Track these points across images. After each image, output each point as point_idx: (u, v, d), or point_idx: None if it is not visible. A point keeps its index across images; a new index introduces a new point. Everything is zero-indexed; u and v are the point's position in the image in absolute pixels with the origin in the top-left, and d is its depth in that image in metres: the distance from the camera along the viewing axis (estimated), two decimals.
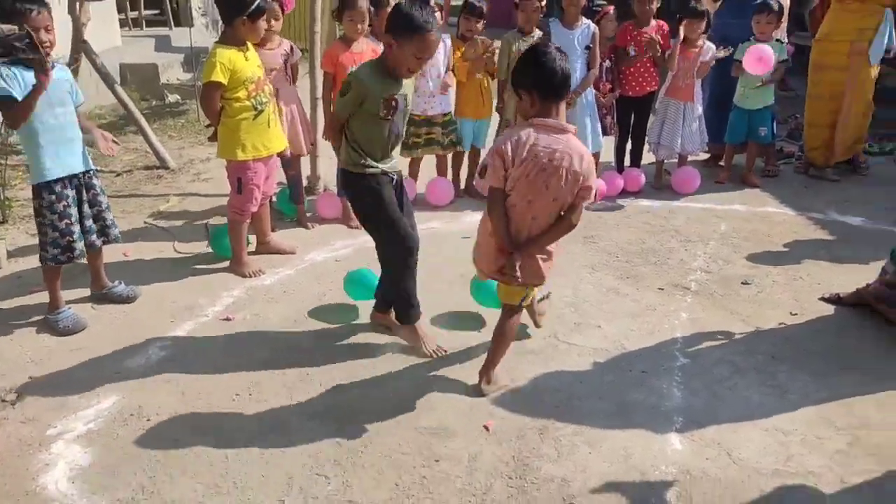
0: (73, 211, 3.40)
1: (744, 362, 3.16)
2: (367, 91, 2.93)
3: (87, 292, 3.73)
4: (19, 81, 3.11)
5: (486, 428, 2.72)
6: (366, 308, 3.52)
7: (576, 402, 2.88)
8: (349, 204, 3.88)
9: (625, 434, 2.69)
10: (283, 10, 4.36)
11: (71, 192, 3.38)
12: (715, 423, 2.76)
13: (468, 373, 3.06)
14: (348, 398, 2.90)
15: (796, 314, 3.57)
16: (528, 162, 2.60)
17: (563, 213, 2.70)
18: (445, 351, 3.22)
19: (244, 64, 3.70)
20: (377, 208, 3.08)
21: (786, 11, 5.81)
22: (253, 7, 3.61)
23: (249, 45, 3.80)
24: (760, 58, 5.02)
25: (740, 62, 5.22)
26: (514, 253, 2.71)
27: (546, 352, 3.24)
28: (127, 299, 3.70)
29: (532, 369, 3.10)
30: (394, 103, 2.97)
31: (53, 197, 3.31)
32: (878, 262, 3.72)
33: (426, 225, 4.76)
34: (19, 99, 3.09)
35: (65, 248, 3.37)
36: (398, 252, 3.13)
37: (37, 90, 3.09)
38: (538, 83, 2.58)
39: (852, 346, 3.29)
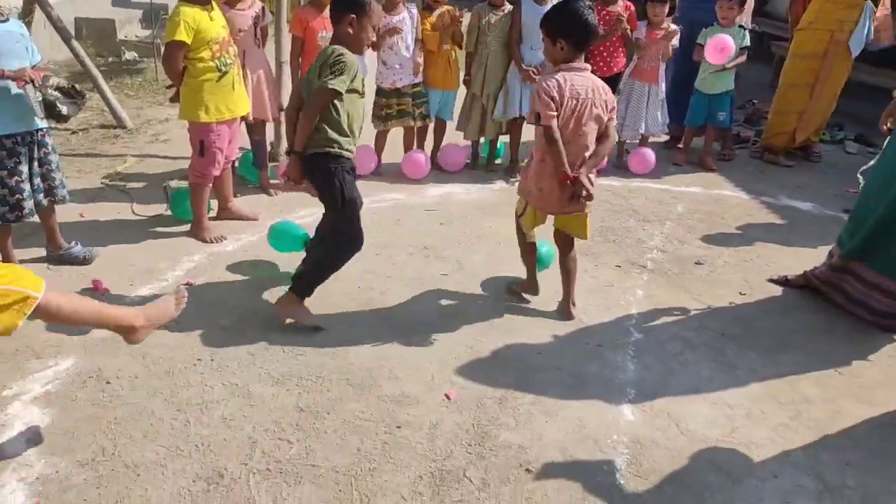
0: (24, 168, 3.31)
1: (695, 338, 3.29)
2: (356, 67, 2.96)
3: (43, 252, 3.65)
4: None
5: (448, 397, 2.78)
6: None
7: (534, 374, 2.96)
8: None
9: (580, 404, 2.79)
10: None
11: (23, 150, 3.29)
12: (666, 395, 2.87)
13: (431, 343, 3.11)
14: (311, 365, 2.93)
15: (745, 294, 3.71)
16: (573, 100, 3.02)
17: (601, 134, 3.14)
18: (321, 328, 3.18)
19: (209, 23, 3.63)
20: (347, 198, 3.06)
21: None
22: None
23: (214, 4, 3.72)
24: (722, 49, 5.12)
25: (703, 46, 5.31)
26: (579, 176, 3.04)
27: (507, 324, 3.31)
28: (84, 261, 3.63)
29: (493, 340, 3.17)
30: (364, 81, 3.03)
31: (4, 153, 3.23)
32: (825, 247, 3.89)
33: (390, 196, 4.79)
34: None
35: (13, 206, 3.29)
36: (346, 246, 3.16)
37: (7, 76, 3.05)
38: (575, 34, 3.02)
39: (797, 326, 3.44)
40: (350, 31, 2.98)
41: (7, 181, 3.25)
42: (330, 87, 2.90)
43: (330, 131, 2.98)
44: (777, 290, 3.77)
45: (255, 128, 4.53)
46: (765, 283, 3.84)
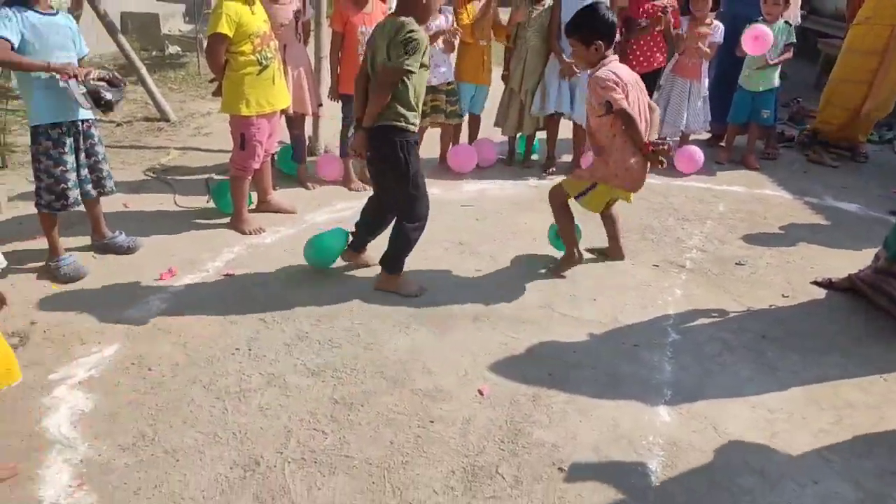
0: (70, 159, 3.39)
1: (734, 340, 3.23)
2: (426, 42, 3.08)
3: (88, 240, 3.75)
4: (18, 23, 3.09)
5: (481, 392, 2.78)
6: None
7: (569, 372, 2.94)
8: (365, 163, 3.96)
9: (615, 404, 2.76)
10: None
11: (68, 140, 3.37)
12: (703, 397, 2.83)
13: (465, 338, 3.12)
14: (346, 357, 2.96)
15: (787, 296, 3.63)
16: (630, 86, 3.34)
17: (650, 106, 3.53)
18: (425, 289, 3.46)
19: (250, 17, 3.68)
20: (412, 167, 3.21)
21: None
22: None
23: None
24: (756, 37, 5.01)
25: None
26: (658, 145, 3.36)
27: (541, 322, 3.30)
28: (128, 250, 3.72)
29: (527, 338, 3.16)
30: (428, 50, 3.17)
31: (50, 143, 3.31)
32: (870, 249, 3.78)
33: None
34: (14, 43, 3.08)
35: (59, 195, 3.37)
36: (418, 215, 3.35)
37: (38, 66, 3.14)
38: (606, 35, 3.30)
39: (840, 329, 3.36)
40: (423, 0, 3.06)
41: (53, 171, 3.34)
42: (406, 67, 3.00)
43: (398, 106, 3.09)
44: (820, 293, 3.69)
45: (294, 122, 4.58)
46: (808, 285, 3.75)
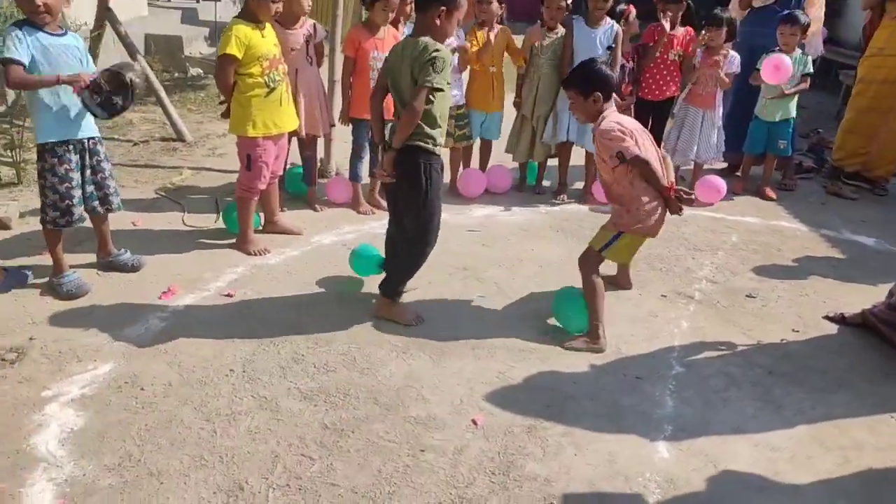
0: (76, 175, 3.41)
1: (740, 375, 3.14)
2: (450, 59, 3.09)
3: (93, 258, 3.77)
4: (27, 45, 3.15)
5: (475, 422, 2.72)
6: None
7: (567, 403, 2.87)
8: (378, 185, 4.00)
9: (613, 438, 2.69)
10: None
11: (74, 157, 3.40)
12: (705, 434, 2.74)
13: (462, 366, 3.07)
14: (340, 382, 2.92)
15: (798, 331, 3.54)
16: (637, 133, 3.30)
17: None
18: (422, 319, 3.39)
19: (260, 40, 3.71)
20: (430, 192, 3.16)
21: (819, 25, 5.74)
22: None
23: (267, 23, 3.80)
24: (777, 66, 4.95)
25: (760, 72, 5.17)
26: (673, 187, 3.30)
27: (542, 351, 3.23)
28: (132, 268, 3.73)
29: (527, 367, 3.10)
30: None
31: (56, 160, 3.34)
32: (886, 285, 3.68)
33: None
34: (25, 64, 3.13)
35: (64, 211, 3.39)
36: (426, 241, 3.27)
37: (49, 81, 3.18)
38: (603, 88, 3.28)
39: (851, 366, 3.25)
40: (437, 22, 3.05)
41: (58, 187, 3.36)
42: (436, 85, 3.00)
43: (425, 126, 3.09)
44: (832, 328, 3.58)
45: (306, 144, 4.60)
46: (820, 320, 3.65)
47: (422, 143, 3.10)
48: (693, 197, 3.35)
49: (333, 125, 4.84)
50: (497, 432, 2.68)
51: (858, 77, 5.66)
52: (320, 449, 2.54)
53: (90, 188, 3.51)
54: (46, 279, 3.53)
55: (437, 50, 3.00)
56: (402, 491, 2.36)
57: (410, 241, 3.28)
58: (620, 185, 3.31)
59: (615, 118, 3.31)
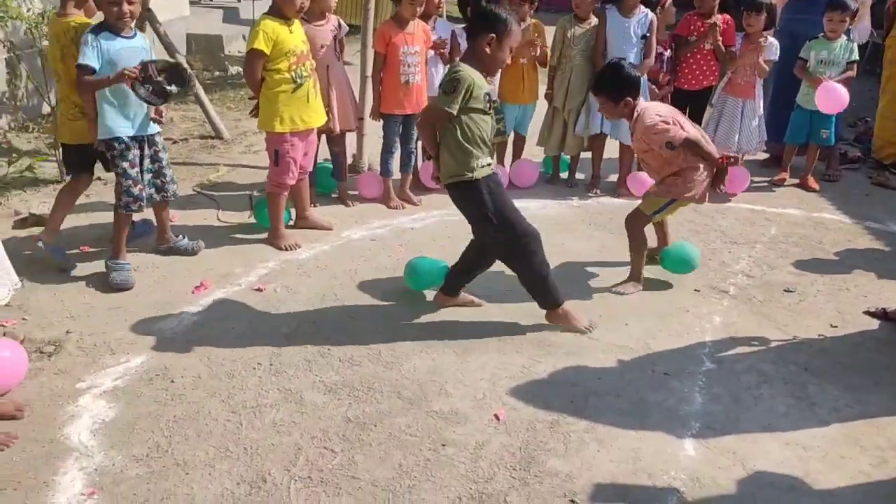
0: (139, 163, 3.57)
1: (773, 371, 3.06)
2: (474, 83, 2.97)
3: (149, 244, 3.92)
4: (98, 51, 3.28)
5: (497, 417, 2.71)
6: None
7: (591, 399, 2.84)
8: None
9: (637, 435, 2.64)
10: None
11: (136, 150, 3.53)
12: (734, 431, 2.68)
13: (486, 360, 3.06)
14: (364, 376, 2.94)
15: (836, 326, 3.43)
16: (675, 116, 3.57)
17: None
18: (595, 326, 3.32)
19: (288, 36, 3.75)
20: (497, 210, 3.07)
21: (867, 9, 5.54)
22: None
23: (295, 19, 3.84)
24: (833, 98, 4.70)
25: (805, 61, 5.01)
26: (725, 157, 3.67)
27: (568, 345, 3.20)
28: (192, 252, 3.88)
29: (552, 362, 3.07)
30: (489, 97, 3.07)
31: (123, 146, 3.47)
32: None
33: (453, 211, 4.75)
34: (97, 69, 3.28)
35: (137, 196, 3.54)
36: (527, 246, 3.13)
37: (112, 81, 3.30)
38: (632, 90, 3.48)
39: (891, 364, 3.13)
40: (488, 51, 3.00)
41: (129, 171, 3.50)
42: (446, 109, 2.97)
43: (460, 155, 3.04)
44: (871, 324, 3.46)
45: (335, 139, 4.63)
46: (859, 315, 3.53)
47: (463, 178, 3.06)
48: (738, 156, 3.66)
49: (362, 118, 4.87)
50: (519, 427, 2.66)
51: (887, 58, 5.47)
52: (342, 442, 2.56)
53: (148, 176, 3.64)
54: (86, 274, 3.64)
55: (456, 71, 2.96)
56: (423, 485, 2.37)
57: (509, 249, 3.18)
58: (675, 165, 3.56)
59: (652, 110, 3.51)
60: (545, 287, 3.24)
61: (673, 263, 3.86)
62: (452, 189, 3.15)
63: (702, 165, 3.54)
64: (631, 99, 3.47)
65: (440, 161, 3.14)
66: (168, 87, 3.40)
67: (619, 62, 3.56)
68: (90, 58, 3.29)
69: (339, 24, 4.44)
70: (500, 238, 3.14)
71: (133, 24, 3.48)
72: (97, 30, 3.36)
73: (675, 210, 3.74)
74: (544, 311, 3.29)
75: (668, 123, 3.44)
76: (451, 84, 2.95)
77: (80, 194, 3.95)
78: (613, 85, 3.47)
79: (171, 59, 3.50)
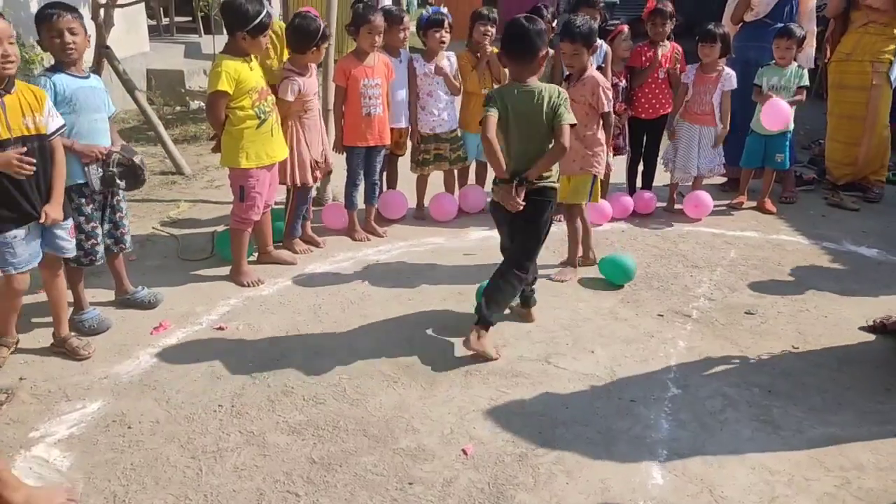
0: (99, 214, 3.48)
1: (738, 395, 3.08)
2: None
3: (111, 295, 3.78)
4: (54, 94, 3.18)
5: (465, 452, 2.67)
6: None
7: (559, 429, 2.82)
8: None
9: (605, 465, 2.63)
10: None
11: (99, 197, 3.45)
12: (700, 457, 2.68)
13: (453, 394, 3.03)
14: (329, 414, 2.88)
15: (798, 347, 3.47)
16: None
17: None
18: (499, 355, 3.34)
19: (248, 74, 3.74)
20: (547, 228, 3.42)
21: (813, 37, 5.73)
22: (255, 23, 3.64)
23: (252, 57, 3.83)
24: (778, 114, 4.95)
25: (759, 87, 5.15)
26: None
27: (535, 376, 3.19)
28: (150, 305, 3.73)
29: (519, 392, 3.06)
30: None
31: (83, 200, 3.38)
32: (888, 297, 3.63)
33: (429, 240, 4.76)
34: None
35: (88, 251, 3.43)
36: (531, 269, 3.44)
37: (76, 150, 3.24)
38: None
39: (853, 383, 3.18)
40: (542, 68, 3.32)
41: (84, 227, 3.39)
42: (573, 123, 3.23)
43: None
44: (832, 343, 3.51)
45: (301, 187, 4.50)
46: (819, 335, 3.58)
47: (553, 184, 3.33)
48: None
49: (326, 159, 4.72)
50: (487, 462, 2.63)
51: (830, 83, 5.75)
52: (307, 485, 2.50)
53: (107, 226, 3.56)
54: (39, 318, 3.53)
55: (567, 96, 3.26)
56: None
57: (515, 265, 3.34)
58: (590, 128, 4.08)
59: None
60: (506, 301, 3.36)
61: (610, 270, 4.11)
62: (539, 193, 3.28)
63: (602, 138, 4.14)
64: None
65: (538, 165, 3.21)
66: (118, 181, 3.41)
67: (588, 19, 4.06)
68: None
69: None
70: (529, 251, 3.39)
71: (84, 65, 3.40)
72: (51, 71, 3.29)
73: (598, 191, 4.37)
74: (472, 325, 3.26)
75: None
76: (569, 103, 3.25)
77: None
78: (592, 35, 3.96)
79: (135, 160, 3.46)
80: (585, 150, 4.10)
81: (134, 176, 3.50)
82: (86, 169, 3.32)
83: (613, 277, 4.11)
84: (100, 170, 3.35)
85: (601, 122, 4.16)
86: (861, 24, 5.50)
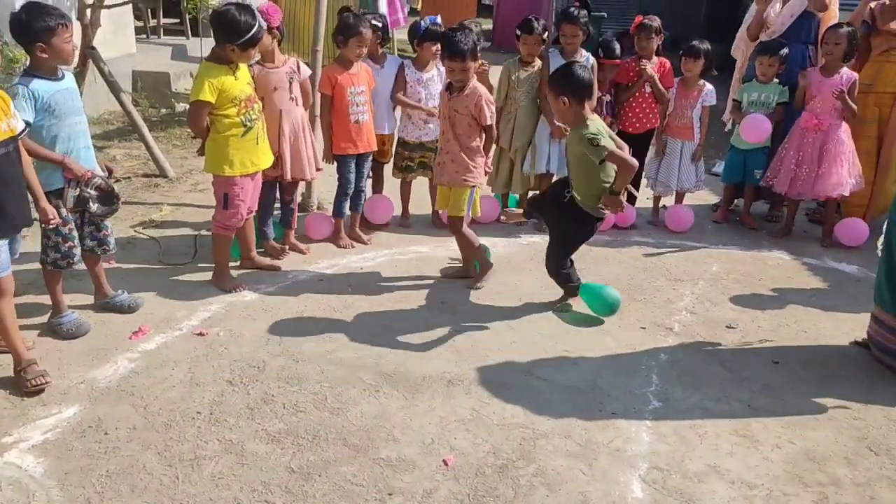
0: (76, 217, 3.42)
1: (718, 409, 3.09)
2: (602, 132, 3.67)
3: (90, 299, 3.73)
4: (34, 101, 3.12)
5: (445, 463, 2.66)
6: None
7: (540, 441, 2.82)
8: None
9: (586, 478, 2.63)
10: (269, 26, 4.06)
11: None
12: (680, 471, 2.69)
13: (435, 404, 3.02)
14: (309, 423, 2.86)
15: (778, 362, 3.50)
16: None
17: None
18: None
19: (233, 83, 3.70)
20: (582, 239, 3.97)
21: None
22: (246, 38, 3.59)
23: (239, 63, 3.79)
24: (756, 127, 4.97)
25: (738, 102, 5.20)
26: None
27: (518, 386, 3.19)
28: (129, 309, 3.68)
29: (501, 404, 3.05)
30: None
31: (60, 201, 3.31)
32: (868, 313, 3.65)
33: (413, 248, 4.75)
34: (31, 123, 3.10)
35: (65, 253, 3.37)
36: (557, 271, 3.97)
37: (54, 159, 3.20)
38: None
39: (831, 399, 3.20)
40: (567, 108, 3.66)
41: (61, 229, 3.32)
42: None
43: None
44: (813, 357, 3.54)
45: (287, 188, 4.47)
46: (800, 350, 3.61)
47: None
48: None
49: (320, 169, 4.63)
50: (468, 473, 2.62)
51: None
52: (285, 494, 2.47)
53: (88, 229, 3.50)
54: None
55: (592, 134, 3.54)
56: None
57: (550, 263, 3.99)
58: (472, 140, 4.06)
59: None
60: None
61: (591, 299, 3.93)
62: (578, 205, 3.77)
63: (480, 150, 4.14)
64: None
65: (582, 190, 3.73)
66: (91, 204, 3.37)
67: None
68: (26, 111, 3.08)
69: (298, 67, 4.32)
70: (560, 254, 3.97)
71: (72, 61, 3.37)
72: (26, 77, 3.18)
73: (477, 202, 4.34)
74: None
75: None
76: (595, 139, 3.52)
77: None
78: (475, 50, 3.97)
79: (112, 186, 3.42)
80: (467, 160, 4.04)
81: (108, 203, 3.44)
82: (65, 185, 3.28)
83: (596, 309, 3.91)
84: (77, 189, 3.31)
85: (483, 135, 4.12)
86: (882, 51, 5.16)
